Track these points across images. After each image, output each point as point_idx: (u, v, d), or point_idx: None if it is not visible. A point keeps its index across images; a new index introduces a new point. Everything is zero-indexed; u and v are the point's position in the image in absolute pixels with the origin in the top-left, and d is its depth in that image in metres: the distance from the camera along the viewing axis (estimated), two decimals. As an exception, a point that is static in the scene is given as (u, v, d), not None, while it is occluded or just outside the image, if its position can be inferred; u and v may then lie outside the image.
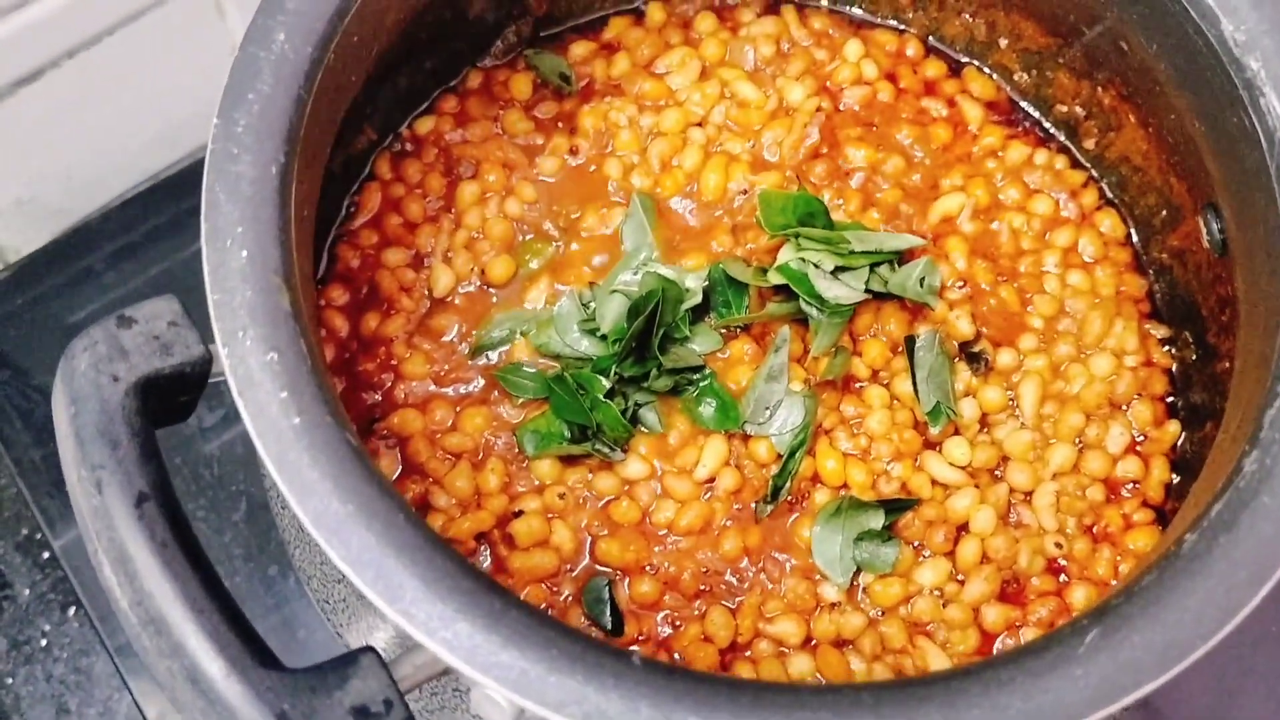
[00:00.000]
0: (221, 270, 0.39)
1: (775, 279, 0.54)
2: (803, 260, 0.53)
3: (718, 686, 0.34)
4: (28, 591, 0.83)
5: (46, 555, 0.84)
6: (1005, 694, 0.34)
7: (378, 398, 0.54)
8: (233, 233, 0.39)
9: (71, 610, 0.82)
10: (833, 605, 0.51)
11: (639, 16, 0.63)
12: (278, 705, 0.34)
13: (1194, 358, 0.56)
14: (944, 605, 0.51)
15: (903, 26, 0.64)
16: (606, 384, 0.52)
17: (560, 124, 0.60)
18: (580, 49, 0.62)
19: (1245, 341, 0.45)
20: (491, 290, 0.56)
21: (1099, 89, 0.58)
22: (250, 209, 0.40)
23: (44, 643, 0.81)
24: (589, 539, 0.52)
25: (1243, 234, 0.47)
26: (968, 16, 0.61)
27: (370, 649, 0.37)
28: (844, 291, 0.53)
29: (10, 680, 0.80)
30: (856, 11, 0.64)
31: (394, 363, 0.55)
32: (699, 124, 0.60)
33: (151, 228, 0.78)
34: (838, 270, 0.53)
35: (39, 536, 0.85)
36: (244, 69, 0.42)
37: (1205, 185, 0.51)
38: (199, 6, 0.72)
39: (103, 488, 0.37)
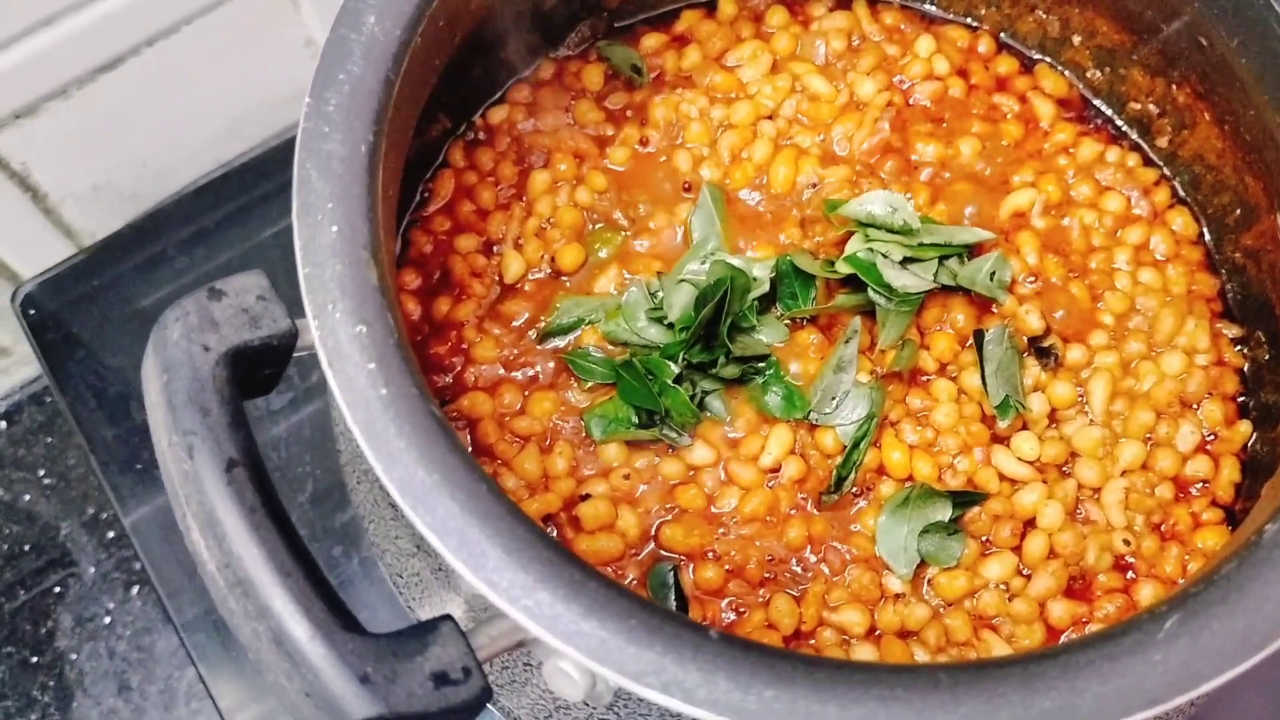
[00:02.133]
0: (313, 245, 0.40)
1: (844, 269, 0.54)
2: (871, 250, 0.53)
3: (795, 662, 0.34)
4: (93, 570, 0.85)
5: (112, 534, 0.86)
6: (1083, 677, 0.34)
7: (448, 380, 0.55)
8: (324, 208, 0.40)
9: (135, 589, 0.84)
10: (897, 596, 0.51)
11: (711, 10, 0.64)
12: (360, 668, 0.35)
13: (1267, 357, 0.55)
14: (1009, 599, 0.51)
15: (975, 23, 0.64)
16: (675, 369, 0.52)
17: (631, 114, 0.61)
18: (652, 41, 0.63)
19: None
20: (562, 277, 0.57)
21: (1174, 86, 0.57)
22: (340, 186, 0.41)
23: (108, 620, 0.83)
24: (654, 524, 0.52)
25: (1324, 230, 0.47)
26: (1041, 13, 0.61)
27: (449, 617, 0.38)
28: (912, 281, 0.53)
29: (75, 656, 0.82)
30: (929, 8, 0.64)
31: (464, 346, 0.55)
32: (769, 117, 0.60)
33: (222, 215, 0.79)
34: (906, 261, 0.53)
35: (104, 516, 0.87)
36: (335, 50, 0.43)
37: (1283, 181, 0.50)
38: (276, -2, 0.74)
39: (194, 453, 0.38)
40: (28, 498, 0.88)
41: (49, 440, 0.90)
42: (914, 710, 0.33)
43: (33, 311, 0.75)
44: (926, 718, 0.33)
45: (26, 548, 0.85)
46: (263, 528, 0.37)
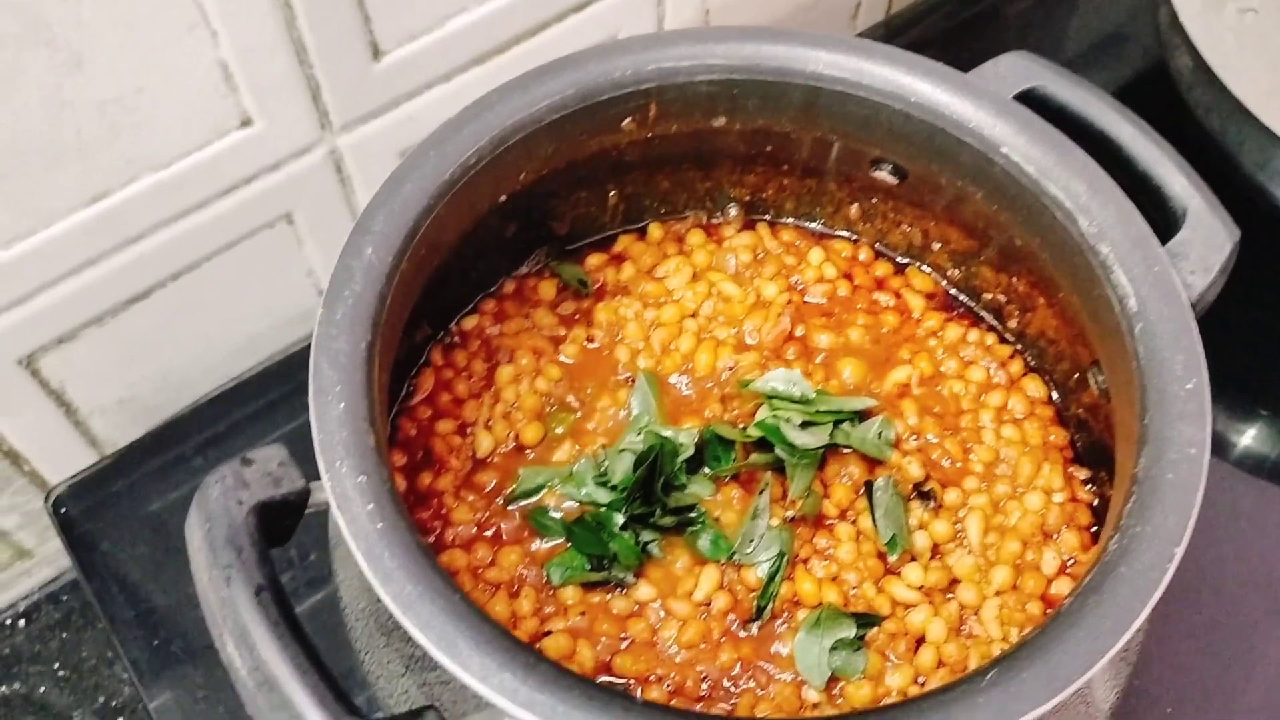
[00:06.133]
0: (324, 417, 0.51)
1: (754, 433, 0.66)
2: (775, 417, 0.65)
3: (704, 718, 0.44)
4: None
5: (121, 720, 0.92)
6: None
7: (430, 541, 0.65)
8: (333, 390, 0.52)
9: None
10: (814, 706, 0.60)
11: (642, 233, 0.78)
12: (360, 744, 0.44)
13: (1111, 493, 0.66)
14: (908, 703, 0.60)
15: (855, 236, 0.78)
16: (621, 519, 0.63)
17: (579, 318, 0.74)
18: (595, 259, 0.77)
19: (1120, 462, 0.56)
20: (525, 451, 0.68)
21: (1013, 278, 0.71)
22: (345, 374, 0.53)
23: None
24: (608, 653, 0.62)
25: (1113, 380, 0.59)
26: (906, 227, 0.76)
27: (432, 707, 0.47)
28: (811, 439, 0.64)
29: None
30: (817, 225, 0.79)
31: (444, 512, 0.66)
32: (692, 316, 0.73)
33: (231, 422, 0.89)
34: (805, 424, 0.65)
35: (114, 703, 0.94)
36: (341, 275, 0.56)
37: (1090, 346, 0.63)
38: (284, 238, 0.87)
39: (230, 582, 0.48)
40: (42, 689, 0.94)
41: (64, 635, 0.97)
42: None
43: (63, 511, 0.84)
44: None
45: (40, 737, 0.91)
46: (284, 637, 0.47)
